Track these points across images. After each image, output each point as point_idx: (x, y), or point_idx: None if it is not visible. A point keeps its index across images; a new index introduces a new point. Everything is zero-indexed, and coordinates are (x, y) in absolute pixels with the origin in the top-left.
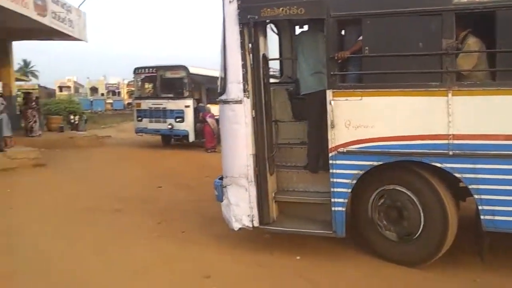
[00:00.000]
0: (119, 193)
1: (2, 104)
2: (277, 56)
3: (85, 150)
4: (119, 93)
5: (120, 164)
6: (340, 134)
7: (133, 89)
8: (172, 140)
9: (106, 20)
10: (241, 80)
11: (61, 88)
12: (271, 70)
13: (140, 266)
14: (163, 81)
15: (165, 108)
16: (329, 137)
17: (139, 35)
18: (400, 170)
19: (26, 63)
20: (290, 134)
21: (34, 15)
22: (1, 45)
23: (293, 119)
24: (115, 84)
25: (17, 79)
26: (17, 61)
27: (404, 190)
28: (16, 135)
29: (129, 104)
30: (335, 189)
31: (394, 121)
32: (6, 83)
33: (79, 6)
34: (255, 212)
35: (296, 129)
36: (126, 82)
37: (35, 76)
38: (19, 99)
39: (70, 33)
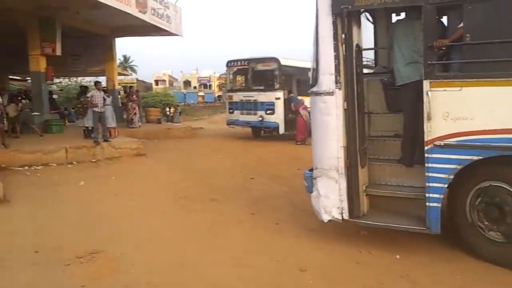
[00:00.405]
0: (213, 182)
1: (108, 97)
2: (372, 45)
3: (181, 141)
4: (210, 86)
5: (214, 155)
6: (437, 127)
7: (224, 82)
8: (262, 132)
9: (198, 14)
10: (333, 72)
11: (157, 81)
12: (365, 60)
13: (236, 255)
14: (254, 73)
15: (256, 100)
16: (425, 130)
17: (230, 27)
18: (501, 165)
19: (126, 58)
20: (384, 126)
21: (135, 12)
22: (105, 42)
23: (387, 111)
24: (207, 77)
25: (119, 74)
26: (117, 57)
27: (505, 186)
28: (119, 127)
29: (219, 96)
30: (431, 184)
31: (498, 112)
32: (110, 77)
33: (176, 2)
34: (345, 204)
35: (391, 121)
36: (217, 75)
37: (134, 71)
38: (121, 93)
39: (167, 29)
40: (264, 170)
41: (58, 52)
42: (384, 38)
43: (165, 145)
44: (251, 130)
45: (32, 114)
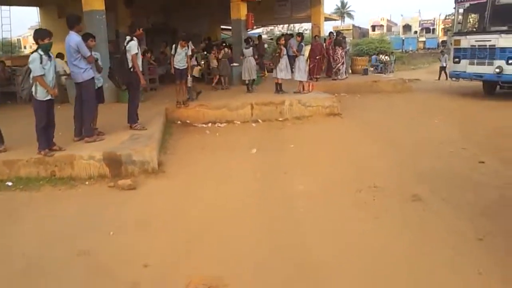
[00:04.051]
0: (420, 163)
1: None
2: None
3: (388, 97)
4: (433, 30)
5: (427, 118)
6: None
7: (449, 25)
8: (498, 88)
9: None
10: None
11: (374, 27)
12: None
13: None
14: (495, 9)
15: (493, 46)
16: None
17: None
18: None
19: (343, 4)
20: None
21: None
22: None
23: None
24: (430, 20)
25: (327, 19)
26: (335, 3)
27: None
28: (322, 78)
29: (443, 42)
30: None
31: None
32: (316, 23)
33: None
34: None
35: None
36: (442, 17)
37: (350, 16)
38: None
39: None
40: (502, 148)
41: None
42: None
43: (367, 101)
44: (482, 85)
45: (231, 65)
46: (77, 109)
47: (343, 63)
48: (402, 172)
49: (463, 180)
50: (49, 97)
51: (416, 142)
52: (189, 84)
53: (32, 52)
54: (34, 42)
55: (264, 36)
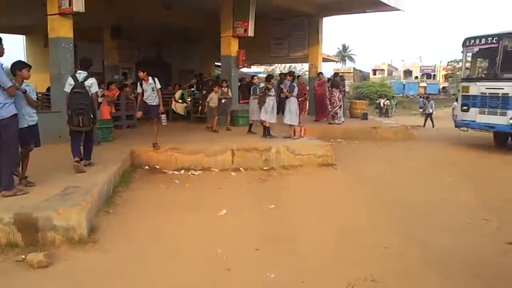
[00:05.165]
0: (429, 242)
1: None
2: None
3: (389, 145)
4: (434, 76)
5: (435, 173)
6: None
7: (451, 72)
8: (510, 140)
9: None
10: None
11: (375, 71)
12: None
13: None
14: (507, 55)
15: (506, 94)
16: None
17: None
18: None
19: (344, 48)
20: None
21: None
22: (311, 22)
23: None
24: (431, 66)
25: (325, 60)
26: (336, 46)
27: None
28: (313, 122)
29: (444, 88)
30: None
31: None
32: (313, 63)
33: None
34: None
35: None
36: (443, 64)
37: (352, 60)
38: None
39: (385, 1)
40: None
41: (251, 33)
42: None
43: (366, 150)
44: (494, 136)
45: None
46: None
47: (340, 106)
48: (408, 253)
49: (490, 272)
50: None
51: (424, 207)
52: (164, 123)
53: None
54: None
55: (263, 76)
